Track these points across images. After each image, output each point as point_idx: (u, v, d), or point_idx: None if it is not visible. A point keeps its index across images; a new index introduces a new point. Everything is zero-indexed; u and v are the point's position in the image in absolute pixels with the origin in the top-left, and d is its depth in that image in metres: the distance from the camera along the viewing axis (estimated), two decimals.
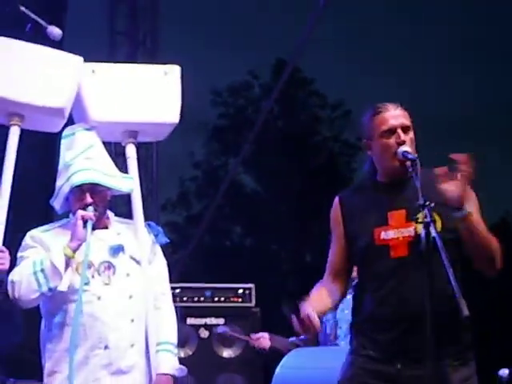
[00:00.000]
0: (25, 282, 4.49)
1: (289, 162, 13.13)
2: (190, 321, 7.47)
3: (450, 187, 3.97)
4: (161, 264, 4.94)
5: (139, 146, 5.34)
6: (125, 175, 4.85)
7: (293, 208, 12.34)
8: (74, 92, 4.72)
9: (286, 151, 13.42)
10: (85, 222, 4.43)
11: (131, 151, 5.05)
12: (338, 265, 4.40)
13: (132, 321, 4.59)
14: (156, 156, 6.98)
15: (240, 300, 7.72)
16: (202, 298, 7.65)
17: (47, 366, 4.64)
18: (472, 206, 3.95)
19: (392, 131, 4.17)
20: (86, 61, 5.19)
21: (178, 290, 6.88)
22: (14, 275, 4.52)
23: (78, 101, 4.95)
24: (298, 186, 12.47)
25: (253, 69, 17.62)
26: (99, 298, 4.51)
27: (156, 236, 4.92)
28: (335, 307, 4.65)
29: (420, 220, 3.97)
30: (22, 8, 5.16)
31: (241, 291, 7.79)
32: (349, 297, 4.73)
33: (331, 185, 10.97)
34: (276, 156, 13.62)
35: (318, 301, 4.24)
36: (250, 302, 7.77)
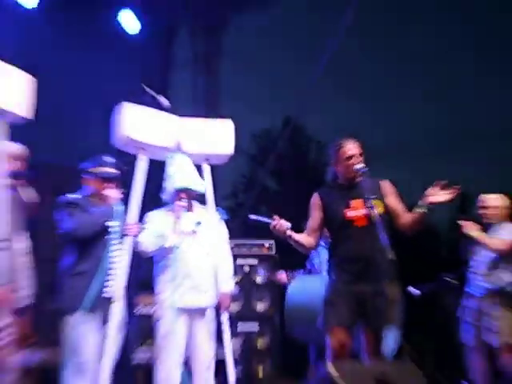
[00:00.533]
0: (147, 242, 6.26)
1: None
2: (239, 261, 8.69)
3: (437, 198, 5.72)
4: (224, 231, 6.78)
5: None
6: (202, 182, 6.64)
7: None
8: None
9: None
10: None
11: (207, 169, 6.93)
12: (314, 227, 6.14)
13: (207, 264, 6.39)
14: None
15: (267, 250, 9.08)
16: (245, 249, 8.99)
17: (157, 289, 6.34)
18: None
19: (351, 157, 6.01)
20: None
21: (232, 245, 7.34)
22: (141, 238, 6.28)
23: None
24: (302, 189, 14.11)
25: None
26: (189, 251, 6.27)
27: (221, 215, 6.83)
28: (308, 250, 6.33)
29: (369, 205, 5.83)
30: (143, 86, 7.07)
31: (267, 244, 9.13)
32: (319, 248, 6.68)
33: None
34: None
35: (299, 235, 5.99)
36: (272, 251, 9.09)
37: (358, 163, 6.02)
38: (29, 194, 6.62)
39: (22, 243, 6.40)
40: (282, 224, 5.79)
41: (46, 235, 7.06)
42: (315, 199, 6.21)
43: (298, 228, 6.12)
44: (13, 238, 5.84)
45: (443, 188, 5.81)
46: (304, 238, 6.08)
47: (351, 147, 6.11)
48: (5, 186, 5.67)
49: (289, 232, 5.82)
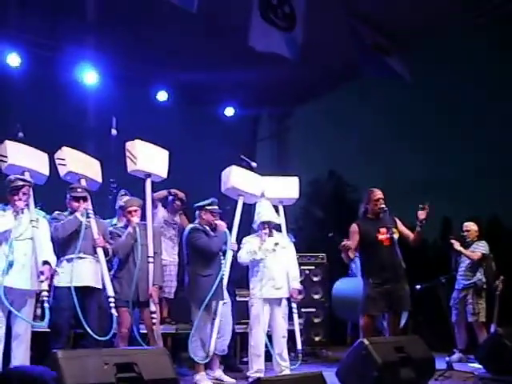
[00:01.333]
0: (244, 257, 6.28)
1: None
2: (302, 267, 8.23)
3: (421, 216, 5.95)
4: (292, 248, 6.73)
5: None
6: (278, 216, 6.63)
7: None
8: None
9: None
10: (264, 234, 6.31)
11: (281, 208, 6.90)
12: (354, 246, 6.02)
13: (282, 270, 6.38)
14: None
15: (321, 259, 8.88)
16: (306, 259, 8.76)
17: (251, 286, 6.37)
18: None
19: (379, 199, 6.16)
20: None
21: (298, 256, 7.09)
22: (240, 254, 6.28)
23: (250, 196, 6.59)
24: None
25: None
26: (270, 261, 6.29)
27: (290, 238, 6.89)
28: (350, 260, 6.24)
29: (391, 232, 6.01)
30: (241, 155, 7.18)
31: (321, 256, 8.90)
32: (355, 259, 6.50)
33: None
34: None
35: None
36: (324, 260, 8.88)
37: (382, 204, 6.11)
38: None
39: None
40: (348, 244, 5.90)
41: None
42: (354, 228, 6.22)
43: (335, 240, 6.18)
44: (158, 254, 5.99)
45: (423, 209, 5.98)
46: (352, 253, 6.10)
47: (379, 193, 6.19)
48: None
49: (349, 248, 5.93)
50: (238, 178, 6.50)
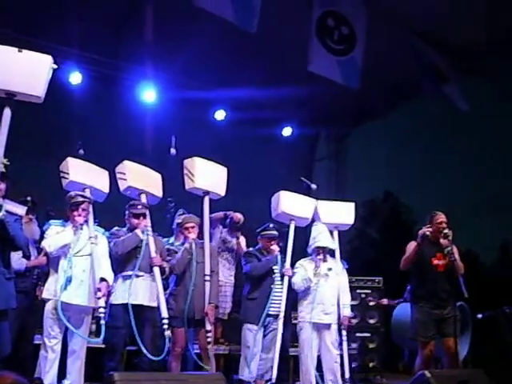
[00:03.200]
0: (298, 282, 6.14)
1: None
2: (358, 290, 8.31)
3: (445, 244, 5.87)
4: (345, 275, 6.53)
5: None
6: (333, 242, 6.44)
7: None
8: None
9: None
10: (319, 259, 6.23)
11: (336, 233, 6.61)
12: (407, 266, 6.05)
13: (333, 295, 6.21)
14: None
15: (377, 283, 8.65)
16: (362, 282, 8.56)
17: (300, 309, 6.23)
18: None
19: (441, 222, 6.03)
20: None
21: (353, 279, 7.51)
22: (294, 279, 6.16)
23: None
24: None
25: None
26: (322, 286, 6.14)
27: (343, 264, 6.62)
28: None
29: (450, 258, 5.82)
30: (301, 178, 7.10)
31: (377, 280, 8.70)
32: None
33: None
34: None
35: None
36: (380, 284, 8.66)
37: (445, 228, 5.95)
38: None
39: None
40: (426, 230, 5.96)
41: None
42: (413, 244, 6.10)
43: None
44: (215, 273, 5.95)
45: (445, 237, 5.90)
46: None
47: (442, 216, 6.07)
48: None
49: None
50: (287, 203, 6.39)
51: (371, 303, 8.58)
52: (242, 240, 7.51)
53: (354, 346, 8.04)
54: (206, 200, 5.94)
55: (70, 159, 5.42)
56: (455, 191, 13.76)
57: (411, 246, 6.07)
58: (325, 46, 7.85)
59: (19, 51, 4.35)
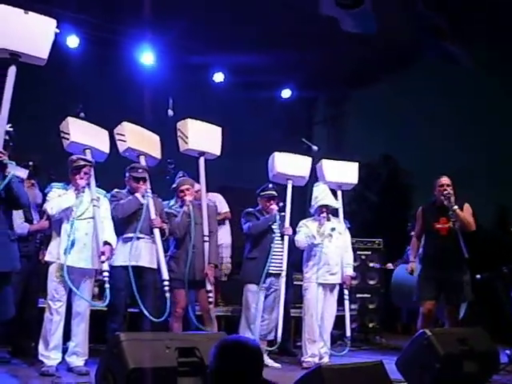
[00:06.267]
0: (301, 241, 6.22)
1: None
2: (358, 252, 8.39)
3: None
4: (348, 234, 6.59)
5: None
6: (336, 201, 6.51)
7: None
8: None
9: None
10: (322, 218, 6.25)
11: (339, 193, 6.66)
12: (419, 233, 6.23)
13: (338, 255, 6.30)
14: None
15: (377, 244, 8.76)
16: (362, 244, 8.69)
17: (305, 270, 6.31)
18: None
19: (443, 185, 6.01)
20: None
21: (354, 241, 7.18)
22: (297, 237, 6.21)
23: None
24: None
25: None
26: (327, 246, 6.22)
27: (346, 224, 6.73)
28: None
29: (452, 220, 5.88)
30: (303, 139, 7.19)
31: (377, 241, 8.78)
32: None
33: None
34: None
35: (415, 248, 6.27)
36: (381, 246, 8.74)
37: (448, 190, 5.96)
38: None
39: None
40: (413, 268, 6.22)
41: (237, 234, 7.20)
42: (419, 212, 6.27)
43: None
44: (214, 233, 5.94)
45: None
46: (416, 249, 6.28)
47: (444, 179, 6.07)
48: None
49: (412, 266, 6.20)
50: (282, 163, 6.43)
51: (374, 266, 8.66)
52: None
53: (353, 306, 8.08)
54: (202, 160, 5.92)
55: (70, 119, 5.40)
56: (455, 154, 13.65)
57: (418, 217, 6.24)
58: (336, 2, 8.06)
59: (25, 13, 4.37)
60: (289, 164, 6.48)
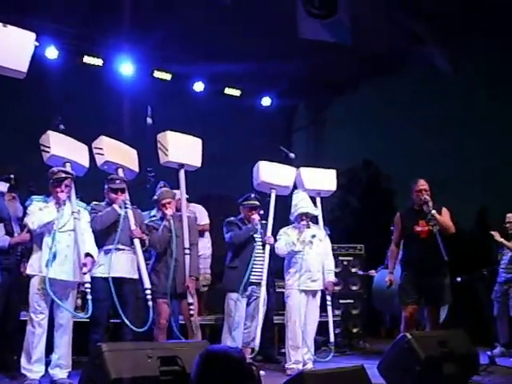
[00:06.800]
0: (282, 248, 6.28)
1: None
2: (340, 258, 8.40)
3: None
4: (328, 241, 6.64)
5: None
6: (315, 208, 6.55)
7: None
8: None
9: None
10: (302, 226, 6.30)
11: (318, 200, 6.72)
12: (397, 240, 6.18)
13: (319, 262, 6.35)
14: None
15: (359, 250, 8.73)
16: (344, 250, 8.62)
17: (287, 277, 6.36)
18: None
19: (421, 190, 6.01)
20: None
21: (335, 247, 7.37)
22: (278, 245, 6.27)
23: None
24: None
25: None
26: (308, 253, 6.26)
27: (326, 231, 6.76)
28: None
29: (431, 224, 5.84)
30: (281, 147, 7.10)
31: (359, 247, 8.76)
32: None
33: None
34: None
35: (394, 257, 6.24)
36: (362, 251, 8.73)
37: (425, 195, 5.96)
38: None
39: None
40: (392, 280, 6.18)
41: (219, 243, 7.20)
42: (397, 217, 6.23)
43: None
44: (195, 245, 5.99)
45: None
46: (395, 257, 6.24)
47: (421, 183, 6.06)
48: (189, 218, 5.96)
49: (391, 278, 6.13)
50: (266, 172, 6.48)
51: (356, 271, 8.68)
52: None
53: (337, 312, 8.12)
54: (182, 172, 5.96)
55: (50, 132, 5.42)
56: (434, 158, 13.80)
57: (396, 222, 6.22)
58: (308, 12, 8.22)
59: (4, 26, 4.39)
60: (273, 173, 6.55)
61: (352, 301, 8.65)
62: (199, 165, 6.11)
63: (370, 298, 8.45)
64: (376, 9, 8.29)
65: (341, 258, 8.50)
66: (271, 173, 6.53)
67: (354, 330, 8.65)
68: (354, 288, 8.70)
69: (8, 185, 5.50)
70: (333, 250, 6.84)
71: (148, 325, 5.23)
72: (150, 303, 5.33)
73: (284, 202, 6.83)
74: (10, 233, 5.56)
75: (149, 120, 6.69)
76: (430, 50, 8.81)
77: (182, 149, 5.97)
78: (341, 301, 8.41)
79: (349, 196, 15.20)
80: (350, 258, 8.73)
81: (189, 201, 6.49)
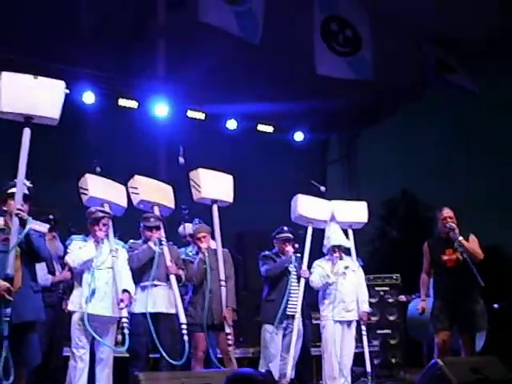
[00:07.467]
0: (316, 281, 6.39)
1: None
2: (377, 288, 8.57)
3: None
4: (361, 272, 6.71)
5: None
6: (348, 241, 6.63)
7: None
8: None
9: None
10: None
11: (350, 232, 6.80)
12: (427, 269, 6.23)
13: (353, 292, 6.42)
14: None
15: (395, 280, 8.79)
16: (380, 280, 8.72)
17: (322, 308, 6.46)
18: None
19: (445, 218, 6.06)
20: None
21: (371, 277, 7.92)
22: (312, 278, 6.38)
23: None
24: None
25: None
26: (341, 284, 6.37)
27: (359, 262, 6.81)
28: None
29: (459, 251, 5.83)
30: (312, 181, 7.29)
31: (395, 277, 8.84)
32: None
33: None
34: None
35: (425, 285, 6.25)
36: (398, 281, 8.79)
37: (450, 223, 5.99)
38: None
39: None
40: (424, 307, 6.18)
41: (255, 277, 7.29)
42: (425, 247, 6.26)
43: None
44: (230, 278, 6.10)
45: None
46: (426, 286, 6.25)
47: (446, 211, 6.10)
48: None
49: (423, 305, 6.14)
50: (304, 206, 6.60)
51: (393, 301, 8.68)
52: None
53: (375, 342, 8.16)
54: (215, 208, 6.09)
55: (88, 176, 5.63)
56: (472, 185, 13.73)
57: (425, 252, 6.24)
58: (331, 49, 8.16)
59: (35, 78, 4.64)
60: (310, 207, 6.64)
61: (389, 331, 8.68)
62: (231, 200, 6.24)
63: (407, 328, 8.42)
64: (400, 39, 8.31)
65: (377, 288, 8.57)
66: (308, 207, 6.64)
67: (394, 361, 8.63)
68: (392, 318, 8.73)
69: (48, 225, 5.68)
70: (369, 280, 6.92)
71: (185, 357, 5.32)
72: (186, 338, 5.42)
73: (322, 234, 6.91)
74: (51, 271, 5.78)
75: (181, 159, 6.88)
76: (455, 75, 8.81)
77: (214, 185, 6.13)
78: (378, 331, 8.45)
79: (387, 226, 15.19)
80: (387, 288, 8.78)
81: (224, 237, 6.62)
